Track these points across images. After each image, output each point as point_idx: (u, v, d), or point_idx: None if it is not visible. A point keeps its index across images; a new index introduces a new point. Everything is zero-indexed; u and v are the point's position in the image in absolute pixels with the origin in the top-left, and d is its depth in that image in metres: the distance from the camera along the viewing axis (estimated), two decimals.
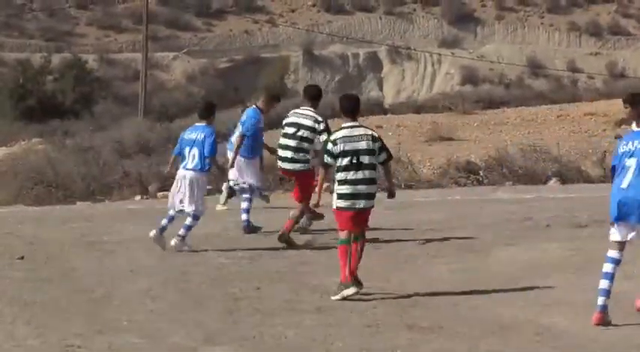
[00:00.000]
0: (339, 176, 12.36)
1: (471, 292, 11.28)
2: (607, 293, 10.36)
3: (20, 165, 32.34)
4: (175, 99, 76.71)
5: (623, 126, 37.34)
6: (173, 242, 15.49)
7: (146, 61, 65.13)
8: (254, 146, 17.25)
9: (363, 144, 12.32)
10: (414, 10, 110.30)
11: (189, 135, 15.79)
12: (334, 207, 12.37)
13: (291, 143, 15.54)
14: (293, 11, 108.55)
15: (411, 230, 16.73)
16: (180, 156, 15.68)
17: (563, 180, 29.29)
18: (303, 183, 15.55)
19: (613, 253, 10.32)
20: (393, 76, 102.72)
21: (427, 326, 9.60)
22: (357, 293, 11.88)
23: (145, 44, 64.11)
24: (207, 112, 16.16)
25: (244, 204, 17.15)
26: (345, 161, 12.29)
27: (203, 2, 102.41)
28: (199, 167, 15.90)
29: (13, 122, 62.61)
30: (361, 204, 12.33)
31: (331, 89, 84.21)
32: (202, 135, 15.96)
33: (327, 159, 12.38)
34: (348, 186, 12.34)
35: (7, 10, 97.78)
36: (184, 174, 15.82)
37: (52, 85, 73.46)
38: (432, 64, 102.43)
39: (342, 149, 12.25)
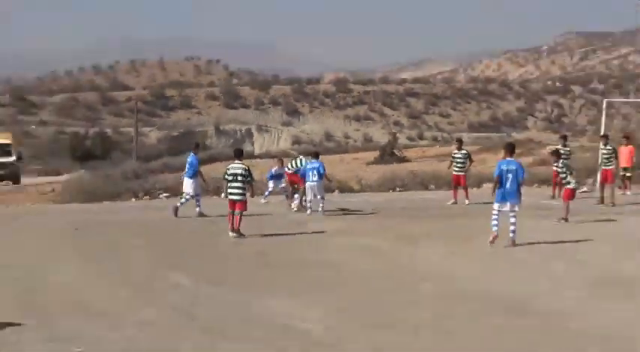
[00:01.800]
0: (229, 184, 21.61)
1: None
2: (497, 226, 18.67)
3: None
4: None
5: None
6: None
7: None
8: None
9: (238, 171, 21.51)
10: None
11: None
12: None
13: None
14: None
15: None
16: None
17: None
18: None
19: (495, 213, 18.82)
20: None
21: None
22: (235, 237, 20.81)
23: None
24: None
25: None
26: (230, 178, 21.55)
27: None
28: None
29: None
30: (233, 197, 21.49)
31: None
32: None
33: (225, 176, 21.65)
34: (229, 190, 21.62)
35: None
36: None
37: None
38: None
39: (229, 172, 21.63)
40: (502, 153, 20.69)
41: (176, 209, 26.13)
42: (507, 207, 18.75)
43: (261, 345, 10.69)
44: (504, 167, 19.00)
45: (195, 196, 26.50)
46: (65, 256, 18.72)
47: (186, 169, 26.76)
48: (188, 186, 26.66)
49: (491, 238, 18.56)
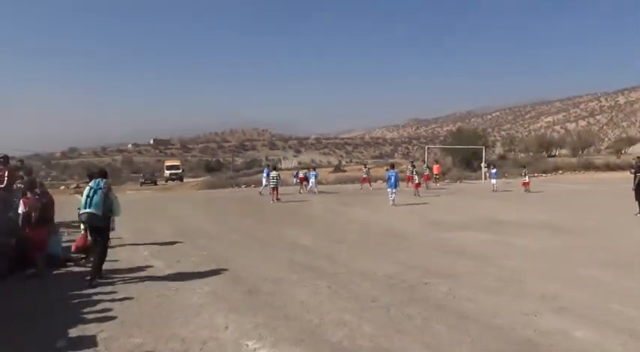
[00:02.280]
0: (271, 180, 20.34)
1: None
2: (391, 199, 17.24)
3: None
4: None
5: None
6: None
7: None
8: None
9: (275, 174, 20.35)
10: None
11: None
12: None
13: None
14: None
15: None
16: None
17: None
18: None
19: (389, 193, 17.59)
20: None
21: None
22: (275, 202, 19.58)
23: None
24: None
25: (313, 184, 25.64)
26: (271, 178, 20.25)
27: None
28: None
29: None
30: (272, 185, 20.16)
31: None
32: None
33: (270, 177, 20.34)
34: (271, 183, 20.18)
35: None
36: None
37: None
38: None
39: (271, 175, 20.24)
40: (388, 167, 20.37)
41: (260, 192, 25.75)
42: (393, 190, 18.08)
43: (282, 248, 10.21)
44: (386, 173, 18.70)
45: (264, 186, 25.70)
46: (198, 211, 18.07)
47: (264, 175, 26.22)
48: (263, 181, 26.16)
49: (390, 204, 17.84)
